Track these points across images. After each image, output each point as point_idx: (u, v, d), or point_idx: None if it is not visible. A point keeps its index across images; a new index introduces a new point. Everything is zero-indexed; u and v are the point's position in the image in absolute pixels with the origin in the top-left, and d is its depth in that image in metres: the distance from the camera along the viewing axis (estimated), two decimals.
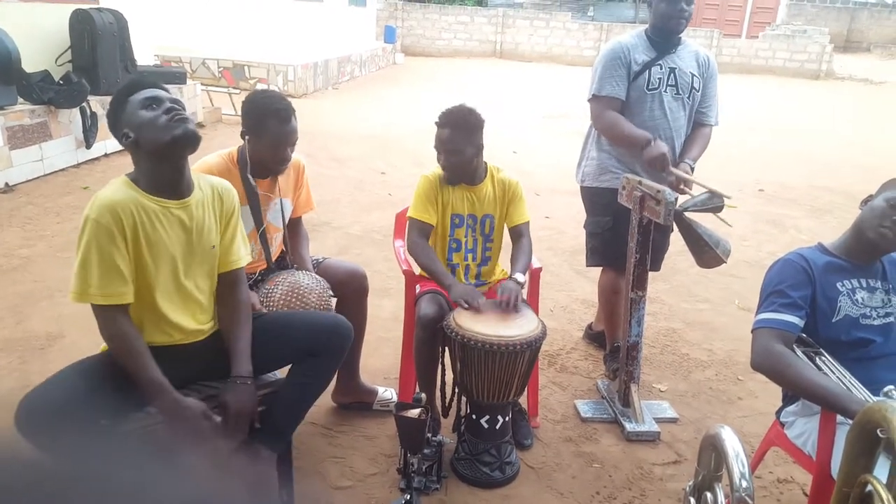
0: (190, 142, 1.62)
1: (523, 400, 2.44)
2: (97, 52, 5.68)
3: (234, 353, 1.73)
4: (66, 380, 1.54)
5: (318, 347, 1.81)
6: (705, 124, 2.73)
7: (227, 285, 1.81)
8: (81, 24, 5.65)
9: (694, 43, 2.73)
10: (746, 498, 1.35)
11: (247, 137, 2.11)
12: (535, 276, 2.51)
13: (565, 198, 5.54)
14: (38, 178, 5.07)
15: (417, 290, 2.40)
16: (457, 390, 2.29)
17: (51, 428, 1.37)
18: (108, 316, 1.57)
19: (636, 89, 2.60)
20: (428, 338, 2.21)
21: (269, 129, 2.06)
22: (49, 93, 5.11)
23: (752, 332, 1.78)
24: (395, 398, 2.49)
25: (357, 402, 2.47)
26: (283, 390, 1.82)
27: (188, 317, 1.72)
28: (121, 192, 1.59)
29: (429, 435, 2.06)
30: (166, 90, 1.69)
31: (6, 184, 4.75)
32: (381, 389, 2.52)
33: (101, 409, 1.52)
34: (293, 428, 1.89)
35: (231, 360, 1.72)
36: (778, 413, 1.93)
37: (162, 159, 1.61)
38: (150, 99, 1.62)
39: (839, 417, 1.63)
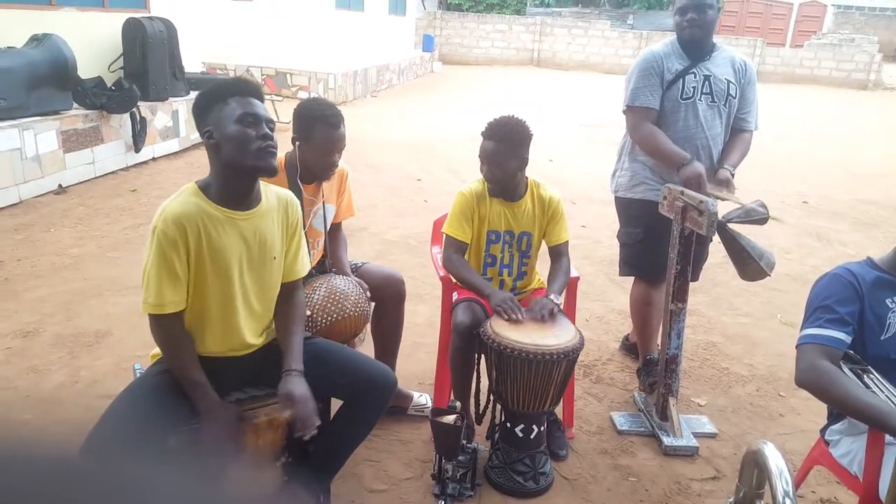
0: (267, 175, 1.64)
1: (559, 410, 2.42)
2: (147, 59, 5.88)
3: (287, 350, 1.75)
4: (122, 412, 1.56)
5: (363, 400, 1.81)
6: (745, 130, 2.69)
7: (286, 292, 1.84)
8: (133, 32, 5.86)
9: (730, 48, 2.69)
10: None
11: (297, 143, 2.16)
12: (572, 285, 2.50)
13: (601, 207, 5.50)
14: (89, 180, 5.27)
15: (454, 298, 2.41)
16: (492, 398, 2.29)
17: (118, 460, 1.41)
18: (158, 321, 1.61)
19: (670, 99, 2.57)
20: (464, 345, 2.21)
21: (318, 134, 2.12)
22: (101, 98, 5.31)
23: (796, 347, 1.74)
24: (429, 403, 2.50)
25: (392, 407, 2.48)
26: (325, 435, 1.81)
27: (244, 326, 1.75)
28: (188, 204, 1.60)
29: (464, 442, 2.07)
30: (262, 102, 1.68)
31: (60, 185, 4.95)
32: (416, 394, 2.54)
33: (162, 432, 1.55)
34: (334, 472, 1.90)
35: (284, 355, 1.74)
36: (823, 431, 1.89)
37: (236, 174, 1.62)
38: (252, 115, 1.60)
39: (888, 437, 1.58)
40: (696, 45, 2.57)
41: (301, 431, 1.64)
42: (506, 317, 2.16)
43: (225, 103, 1.61)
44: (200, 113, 1.65)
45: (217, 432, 1.57)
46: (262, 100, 1.68)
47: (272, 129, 1.65)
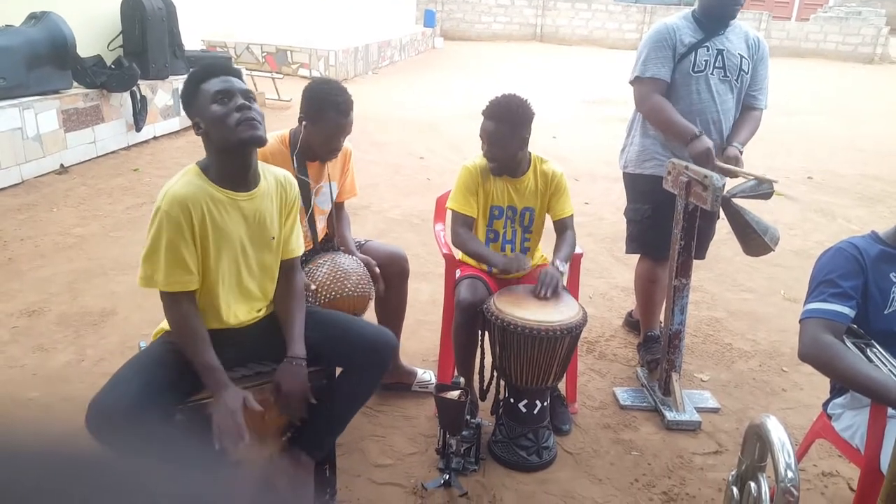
0: (256, 145, 1.64)
1: (562, 386, 2.44)
2: (147, 37, 5.82)
3: (289, 336, 1.77)
4: (128, 377, 1.58)
5: (364, 361, 1.82)
6: (755, 108, 2.66)
7: (283, 272, 1.84)
8: (132, 10, 5.79)
9: (744, 24, 2.66)
10: (792, 489, 1.33)
11: (304, 123, 2.15)
12: (575, 262, 2.49)
13: (605, 183, 5.48)
14: (90, 159, 5.25)
15: (457, 275, 2.41)
16: (495, 374, 2.31)
17: (122, 428, 1.42)
18: (173, 301, 1.63)
19: (681, 72, 2.54)
20: (467, 321, 2.22)
21: (327, 118, 2.10)
22: (101, 77, 5.26)
23: (800, 321, 1.74)
24: (433, 380, 2.52)
25: (397, 383, 2.51)
26: (325, 400, 1.82)
27: (246, 304, 1.77)
28: (192, 185, 1.62)
29: (467, 417, 2.09)
30: (239, 76, 1.68)
31: (61, 165, 4.93)
32: (420, 371, 2.56)
33: (166, 400, 1.57)
34: (335, 436, 1.92)
35: (286, 341, 1.76)
36: (825, 405, 1.90)
37: (229, 154, 1.64)
38: (222, 92, 1.60)
39: (890, 410, 1.59)
40: (715, 19, 2.53)
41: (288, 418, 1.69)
42: (515, 270, 2.21)
43: (197, 92, 1.63)
44: (188, 108, 1.68)
45: (228, 415, 1.58)
46: (234, 74, 1.66)
47: (252, 100, 1.64)
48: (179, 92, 1.71)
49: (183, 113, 6.29)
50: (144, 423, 1.46)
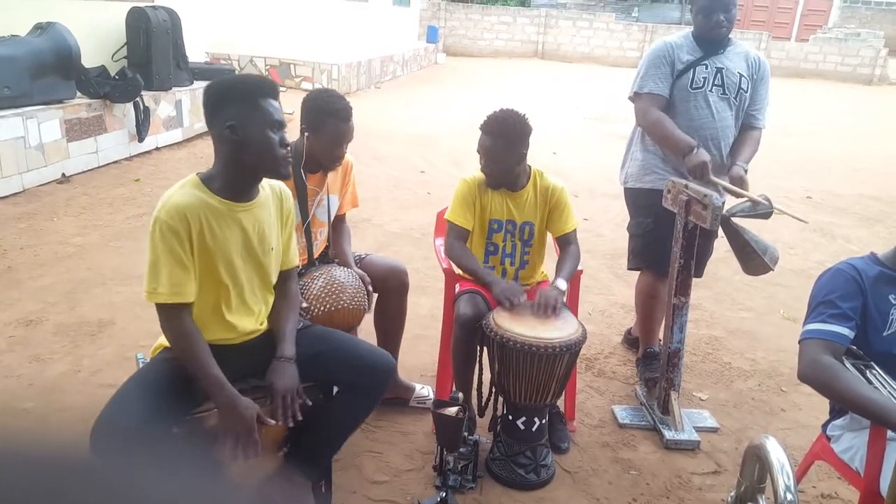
0: (284, 178, 1.75)
1: (561, 403, 2.43)
2: (151, 48, 5.86)
3: (279, 336, 1.77)
4: (131, 396, 1.56)
5: (361, 384, 1.81)
6: (755, 127, 2.67)
7: (281, 282, 1.86)
8: (137, 22, 5.84)
9: (744, 44, 2.69)
10: None
11: (306, 133, 2.17)
12: (574, 278, 2.49)
13: (604, 200, 5.49)
14: (92, 169, 5.26)
15: (457, 290, 2.41)
16: (494, 390, 2.30)
17: (128, 449, 1.41)
18: (171, 314, 1.61)
19: (680, 88, 2.56)
20: (466, 337, 2.22)
21: (328, 127, 2.13)
22: (105, 87, 5.29)
23: (799, 342, 1.74)
24: (431, 395, 2.51)
25: (395, 398, 2.49)
26: (321, 419, 1.82)
27: (245, 316, 1.76)
28: (190, 195, 1.61)
29: (465, 434, 2.07)
30: None
31: (63, 174, 4.94)
32: (418, 386, 2.55)
33: (169, 418, 1.56)
34: (329, 457, 1.91)
35: (276, 342, 1.76)
36: (824, 426, 1.89)
37: (250, 173, 1.67)
38: (280, 123, 1.65)
39: (890, 433, 1.58)
40: (707, 41, 2.56)
41: (280, 421, 1.65)
42: (507, 304, 2.17)
43: (255, 104, 1.61)
44: (221, 104, 1.62)
45: (245, 430, 1.57)
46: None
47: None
48: (217, 86, 1.65)
49: (185, 124, 6.36)
50: (150, 442, 1.44)
